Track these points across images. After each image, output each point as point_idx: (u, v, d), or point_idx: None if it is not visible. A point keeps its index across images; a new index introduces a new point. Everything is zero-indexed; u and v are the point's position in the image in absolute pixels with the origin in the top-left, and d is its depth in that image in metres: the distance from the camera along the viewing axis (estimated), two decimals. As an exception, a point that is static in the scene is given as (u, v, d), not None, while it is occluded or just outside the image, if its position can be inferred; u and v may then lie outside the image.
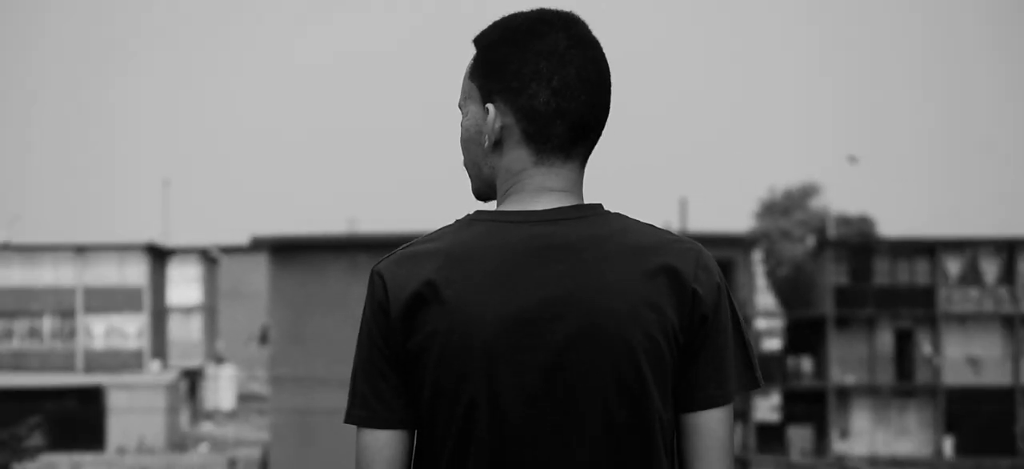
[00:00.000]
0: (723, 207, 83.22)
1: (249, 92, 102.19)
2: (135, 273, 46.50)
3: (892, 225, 76.07)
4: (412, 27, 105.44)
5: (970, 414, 40.66)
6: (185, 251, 52.70)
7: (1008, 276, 41.35)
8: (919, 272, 41.83)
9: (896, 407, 41.72)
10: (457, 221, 1.95)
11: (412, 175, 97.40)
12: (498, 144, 1.95)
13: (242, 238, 46.44)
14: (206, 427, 52.24)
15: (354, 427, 1.95)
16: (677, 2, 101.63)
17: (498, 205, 1.97)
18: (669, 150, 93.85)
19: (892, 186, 79.50)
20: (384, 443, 1.90)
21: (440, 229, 1.95)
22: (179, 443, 46.06)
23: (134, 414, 44.03)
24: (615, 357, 1.85)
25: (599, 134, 1.98)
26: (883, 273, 41.85)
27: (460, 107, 2.01)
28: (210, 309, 54.75)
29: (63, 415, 43.86)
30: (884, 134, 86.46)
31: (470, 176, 2.02)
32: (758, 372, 1.96)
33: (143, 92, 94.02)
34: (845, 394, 41.67)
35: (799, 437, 41.26)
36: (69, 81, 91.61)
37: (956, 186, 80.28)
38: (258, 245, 34.93)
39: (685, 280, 1.87)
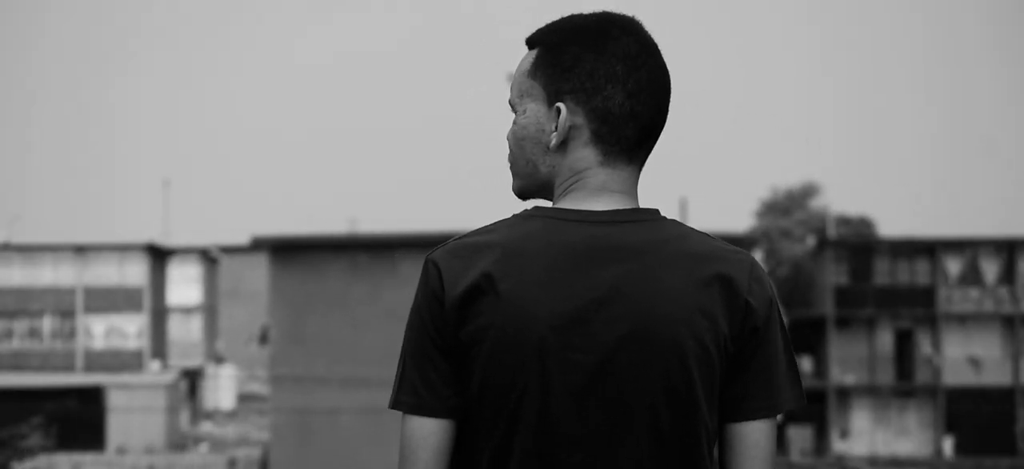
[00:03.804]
0: (723, 207, 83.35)
1: (249, 92, 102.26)
2: (135, 273, 46.49)
3: (892, 225, 76.12)
4: (412, 27, 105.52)
5: (970, 414, 40.67)
6: (185, 251, 52.71)
7: (1008, 276, 41.36)
8: (919, 272, 41.83)
9: (896, 407, 41.73)
10: (513, 215, 1.95)
11: (412, 175, 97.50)
12: (562, 143, 1.95)
13: (242, 238, 46.53)
14: (206, 427, 52.22)
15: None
16: (678, 2, 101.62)
17: (555, 202, 1.97)
18: (669, 150, 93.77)
19: (892, 186, 79.59)
20: (430, 431, 1.90)
21: (495, 222, 1.95)
22: (179, 443, 46.04)
23: (134, 414, 44.01)
24: (665, 361, 1.85)
25: (658, 139, 2.00)
26: (883, 273, 41.84)
27: (512, 104, 2.00)
28: (210, 309, 54.73)
29: (63, 415, 43.81)
30: (885, 134, 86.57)
31: (517, 173, 2.01)
32: (802, 389, 1.97)
33: (143, 92, 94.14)
34: (845, 394, 41.66)
35: (799, 437, 41.26)
36: (69, 81, 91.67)
37: (956, 186, 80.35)
38: (258, 245, 34.88)
39: (739, 290, 1.88)
